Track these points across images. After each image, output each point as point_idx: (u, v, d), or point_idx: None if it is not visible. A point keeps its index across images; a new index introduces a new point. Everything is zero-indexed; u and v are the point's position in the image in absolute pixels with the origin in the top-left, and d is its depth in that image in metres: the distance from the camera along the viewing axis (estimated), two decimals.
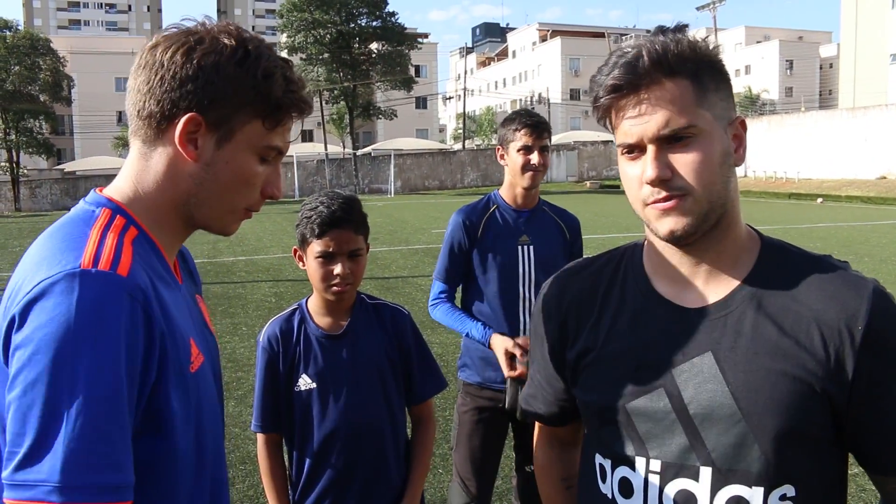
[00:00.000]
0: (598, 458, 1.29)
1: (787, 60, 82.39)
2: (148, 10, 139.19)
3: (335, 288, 2.07)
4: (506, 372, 2.79)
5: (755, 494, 1.14)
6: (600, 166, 54.50)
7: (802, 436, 1.14)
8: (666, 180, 1.14)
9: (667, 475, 1.19)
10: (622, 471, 1.24)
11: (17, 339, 1.00)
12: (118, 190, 1.22)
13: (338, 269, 2.04)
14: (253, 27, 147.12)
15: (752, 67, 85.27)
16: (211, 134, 1.18)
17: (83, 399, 0.97)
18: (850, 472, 1.27)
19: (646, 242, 1.31)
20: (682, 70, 1.13)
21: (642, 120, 1.14)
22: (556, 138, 59.83)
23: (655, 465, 1.20)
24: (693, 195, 1.14)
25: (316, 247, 2.05)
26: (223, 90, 1.16)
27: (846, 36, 61.77)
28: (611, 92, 1.15)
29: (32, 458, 0.95)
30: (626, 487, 1.24)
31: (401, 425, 2.19)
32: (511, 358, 2.78)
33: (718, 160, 1.15)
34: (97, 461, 0.97)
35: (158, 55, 1.17)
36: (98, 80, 68.96)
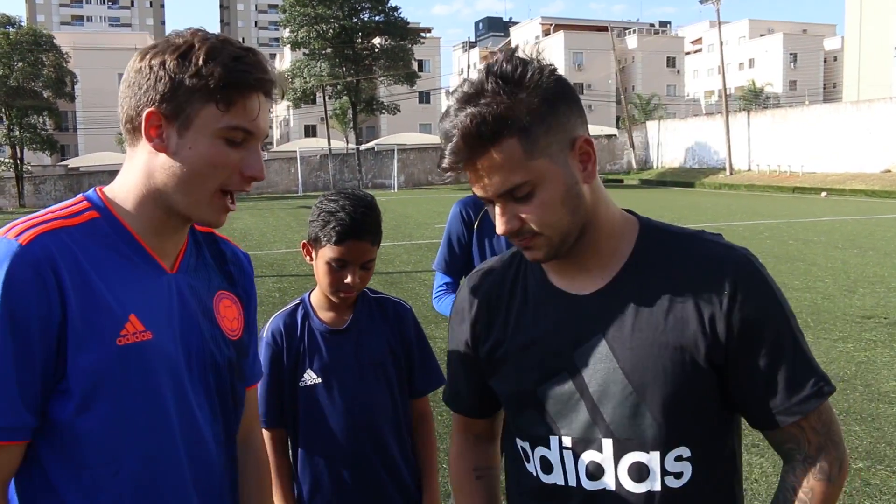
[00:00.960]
0: (519, 442, 1.41)
1: (790, 54, 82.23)
2: (150, 5, 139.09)
3: (342, 294, 2.06)
4: None
5: (653, 458, 1.26)
6: (603, 160, 54.43)
7: (690, 401, 1.25)
8: (516, 230, 1.26)
9: (576, 449, 1.31)
10: (541, 450, 1.36)
11: None
12: (109, 186, 1.38)
13: (349, 278, 2.03)
14: (256, 22, 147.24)
15: (755, 61, 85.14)
16: (171, 125, 1.28)
17: None
18: None
19: None
20: (504, 132, 1.17)
21: (480, 186, 1.23)
22: None
23: (566, 441, 1.32)
24: (542, 235, 1.25)
25: (329, 252, 2.02)
26: (171, 82, 1.26)
27: (850, 29, 61.60)
28: (448, 171, 1.23)
29: None
30: (545, 465, 1.36)
31: (405, 419, 2.19)
32: None
33: (561, 198, 1.23)
34: None
35: (126, 70, 1.33)
36: (101, 75, 68.96)
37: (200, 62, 1.26)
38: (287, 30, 53.94)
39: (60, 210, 1.30)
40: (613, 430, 1.27)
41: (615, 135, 56.81)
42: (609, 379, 1.26)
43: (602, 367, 1.27)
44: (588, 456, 1.30)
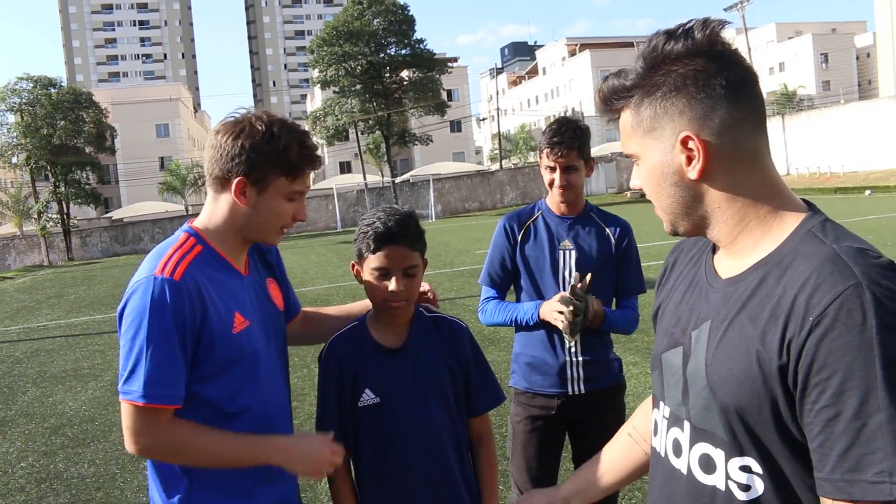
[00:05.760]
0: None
1: (821, 54, 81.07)
2: (183, 57, 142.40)
3: (390, 304, 2.09)
4: (562, 326, 2.81)
5: (719, 457, 1.24)
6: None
7: (759, 415, 1.15)
8: (637, 189, 1.37)
9: (670, 421, 1.36)
10: (655, 412, 1.45)
11: (123, 315, 1.83)
12: (200, 221, 1.98)
13: (392, 285, 2.06)
14: (285, 65, 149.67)
15: (785, 64, 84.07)
16: (253, 188, 1.87)
17: (152, 348, 1.75)
18: None
19: None
20: (623, 104, 1.30)
21: None
22: (592, 151, 59.36)
23: (665, 411, 1.38)
24: (655, 205, 1.34)
25: (371, 262, 2.08)
26: (258, 160, 1.84)
27: (882, 23, 60.63)
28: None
29: (130, 379, 1.77)
30: (654, 426, 1.44)
31: (463, 438, 2.19)
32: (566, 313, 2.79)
33: (657, 179, 1.29)
34: (159, 380, 1.76)
35: (218, 139, 1.88)
36: (139, 128, 70.63)
37: (281, 149, 1.84)
38: (316, 70, 54.74)
39: (181, 247, 1.88)
40: (692, 416, 1.28)
41: None
42: (697, 368, 1.26)
43: (699, 353, 1.27)
44: (675, 432, 1.34)
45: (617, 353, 3.19)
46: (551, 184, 3.00)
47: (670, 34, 1.23)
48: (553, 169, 2.98)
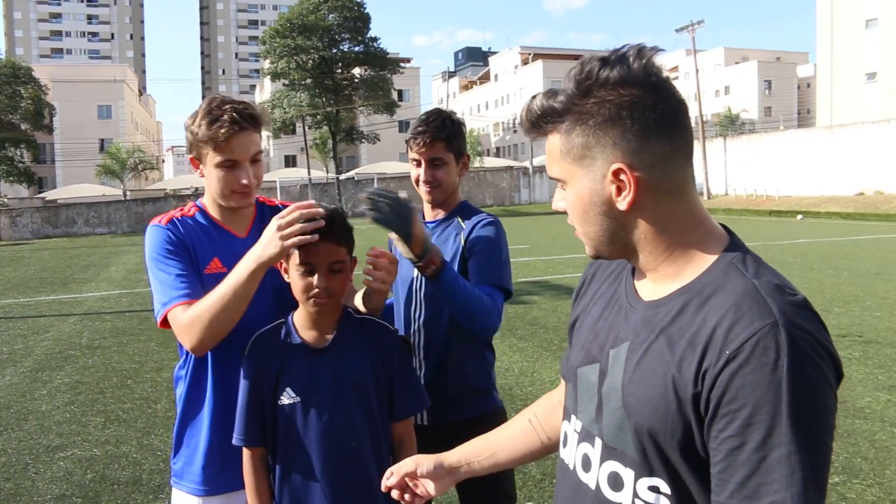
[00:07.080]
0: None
1: (765, 80, 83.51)
2: (131, 38, 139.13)
3: (314, 300, 2.05)
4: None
5: (628, 476, 1.26)
6: None
7: (671, 439, 1.18)
8: (561, 211, 1.35)
9: (581, 436, 1.38)
10: (565, 424, 1.46)
11: None
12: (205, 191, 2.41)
13: (316, 280, 2.03)
14: (236, 54, 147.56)
15: (731, 88, 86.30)
16: (199, 162, 2.29)
17: (156, 272, 2.21)
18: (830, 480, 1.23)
19: None
20: (551, 127, 1.28)
21: None
22: (540, 159, 60.06)
23: (577, 425, 1.39)
24: (578, 229, 1.33)
25: (296, 258, 2.05)
26: (191, 139, 2.26)
27: (822, 56, 62.71)
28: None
29: (155, 302, 2.21)
30: (564, 438, 1.46)
31: (385, 442, 2.17)
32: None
33: (584, 206, 1.28)
34: (171, 289, 2.16)
35: None
36: (80, 108, 68.68)
37: (196, 126, 2.21)
38: (267, 61, 54.10)
39: (180, 209, 2.37)
40: (604, 434, 1.29)
41: None
42: (613, 388, 1.27)
43: (615, 373, 1.28)
44: (585, 447, 1.36)
45: (494, 383, 2.74)
46: (417, 181, 2.71)
47: (605, 60, 1.21)
48: (418, 163, 2.68)
